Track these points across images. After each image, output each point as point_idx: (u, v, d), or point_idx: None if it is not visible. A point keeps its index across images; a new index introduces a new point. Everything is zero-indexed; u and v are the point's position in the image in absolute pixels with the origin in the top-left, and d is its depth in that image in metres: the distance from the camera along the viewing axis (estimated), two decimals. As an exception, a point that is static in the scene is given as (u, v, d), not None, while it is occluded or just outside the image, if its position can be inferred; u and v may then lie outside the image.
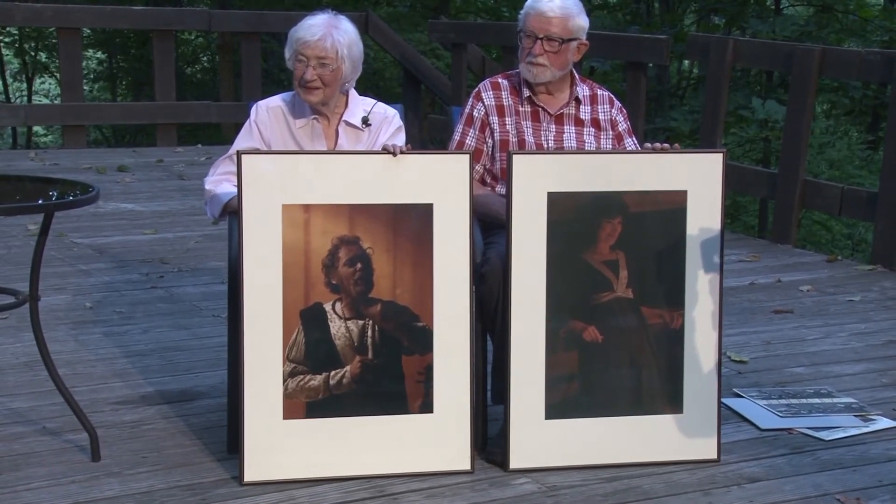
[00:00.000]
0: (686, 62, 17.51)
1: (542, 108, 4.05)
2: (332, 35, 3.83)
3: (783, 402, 4.35)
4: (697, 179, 3.74)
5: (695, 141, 10.99)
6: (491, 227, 3.95)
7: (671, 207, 3.73)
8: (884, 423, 4.18)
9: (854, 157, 12.45)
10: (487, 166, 4.07)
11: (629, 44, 8.61)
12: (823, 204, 7.48)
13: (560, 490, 3.59)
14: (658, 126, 12.22)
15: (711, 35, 10.28)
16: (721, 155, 3.79)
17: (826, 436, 4.04)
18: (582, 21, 4.02)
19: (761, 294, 6.05)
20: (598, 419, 3.74)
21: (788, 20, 13.19)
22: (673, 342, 3.77)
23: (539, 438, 3.71)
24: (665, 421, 3.78)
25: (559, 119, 4.05)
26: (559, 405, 3.72)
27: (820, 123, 12.46)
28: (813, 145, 11.23)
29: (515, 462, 3.70)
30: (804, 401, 4.38)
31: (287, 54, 3.89)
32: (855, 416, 4.24)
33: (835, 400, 4.40)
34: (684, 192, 3.74)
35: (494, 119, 4.05)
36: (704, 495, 3.58)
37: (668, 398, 3.78)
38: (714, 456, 3.80)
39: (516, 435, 3.70)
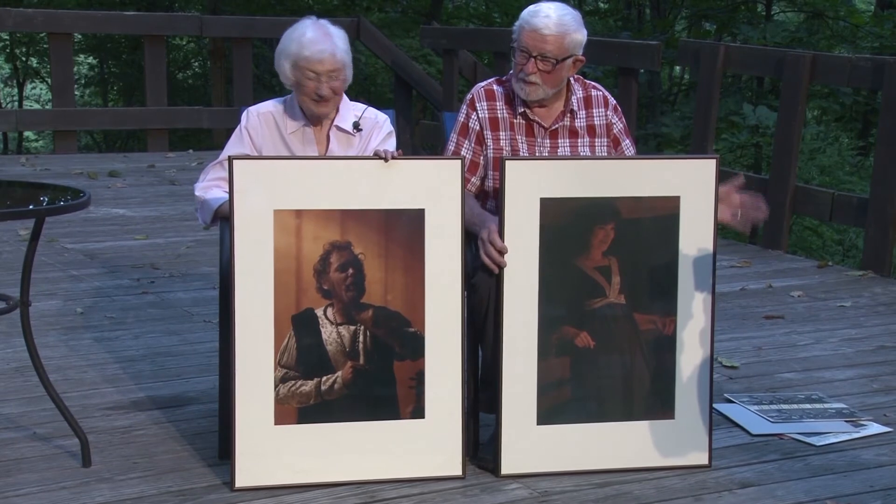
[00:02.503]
0: (677, 68, 17.53)
1: (537, 122, 3.96)
2: (336, 46, 3.83)
3: (774, 407, 4.36)
4: (691, 185, 3.74)
5: (686, 147, 11.01)
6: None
7: (664, 213, 3.73)
8: (874, 428, 4.19)
9: (845, 163, 12.46)
10: (481, 181, 3.99)
11: (620, 49, 8.62)
12: (814, 210, 7.49)
13: (551, 495, 3.59)
14: (649, 132, 12.23)
15: (702, 41, 10.29)
16: (714, 161, 3.79)
17: (817, 441, 4.05)
18: (579, 36, 3.87)
19: (752, 300, 6.06)
20: (590, 425, 3.74)
21: (779, 26, 13.21)
22: (665, 348, 3.77)
23: (531, 444, 3.71)
24: (657, 427, 3.78)
25: (554, 134, 3.96)
26: (551, 411, 3.72)
27: (811, 129, 12.48)
28: (804, 151, 11.24)
29: (507, 468, 3.70)
30: (795, 406, 4.38)
31: (287, 71, 3.85)
32: (846, 421, 4.24)
33: (826, 405, 4.40)
34: (677, 198, 3.73)
35: (488, 133, 3.96)
36: (696, 501, 3.58)
37: (659, 404, 3.78)
38: (706, 462, 3.80)
39: (508, 440, 3.69)
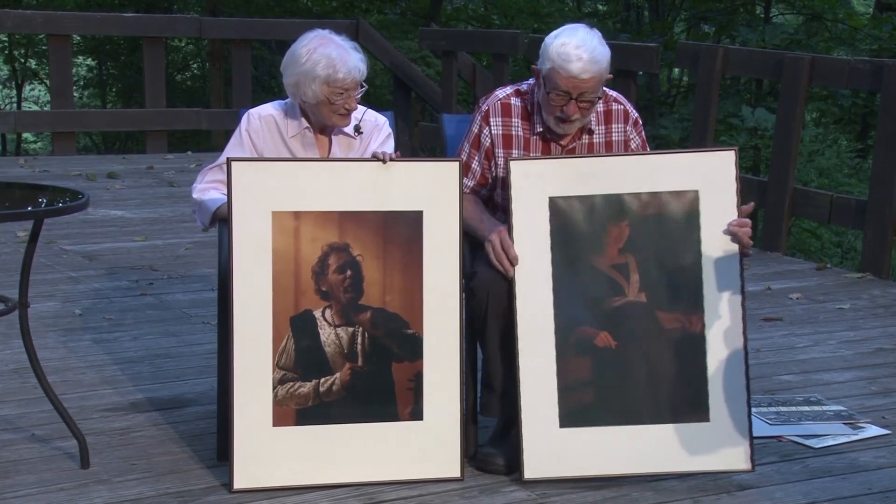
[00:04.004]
0: (676, 70, 17.55)
1: (556, 141, 3.87)
2: (358, 58, 3.82)
3: (773, 409, 4.36)
4: (709, 179, 3.67)
5: (685, 149, 11.00)
6: (479, 240, 3.87)
7: (683, 208, 3.67)
8: (873, 430, 4.19)
9: (843, 165, 12.47)
10: (490, 193, 3.94)
11: (619, 52, 8.56)
12: (813, 212, 7.49)
13: (550, 497, 3.58)
14: (648, 134, 12.23)
15: (701, 43, 10.29)
16: (733, 152, 3.70)
17: (815, 443, 4.05)
18: (608, 60, 3.73)
19: (751, 302, 6.03)
20: (617, 427, 3.66)
21: (778, 28, 13.23)
22: (694, 347, 3.67)
23: (554, 448, 3.64)
24: (691, 429, 3.66)
25: (570, 152, 3.87)
26: (573, 414, 3.65)
27: (809, 132, 12.48)
28: (802, 153, 11.25)
29: (529, 472, 3.64)
30: (794, 409, 4.38)
31: (316, 92, 3.78)
32: (844, 423, 4.24)
33: (824, 408, 4.40)
34: (696, 192, 3.67)
35: (500, 151, 3.87)
36: (694, 503, 3.58)
37: (692, 405, 3.67)
38: (747, 466, 3.68)
39: (529, 444, 3.63)
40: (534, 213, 3.64)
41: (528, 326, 3.64)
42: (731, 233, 3.67)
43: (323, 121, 3.88)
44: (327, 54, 3.78)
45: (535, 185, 3.63)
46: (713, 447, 3.67)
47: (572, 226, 3.66)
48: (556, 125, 3.80)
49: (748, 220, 3.69)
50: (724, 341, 3.69)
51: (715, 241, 3.68)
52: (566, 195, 3.65)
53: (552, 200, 3.65)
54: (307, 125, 3.92)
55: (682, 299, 3.69)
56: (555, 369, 3.65)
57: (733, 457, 3.68)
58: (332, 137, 3.95)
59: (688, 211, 3.68)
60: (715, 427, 3.68)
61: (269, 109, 3.96)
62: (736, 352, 3.69)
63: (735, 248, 3.69)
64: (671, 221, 3.68)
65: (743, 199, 3.75)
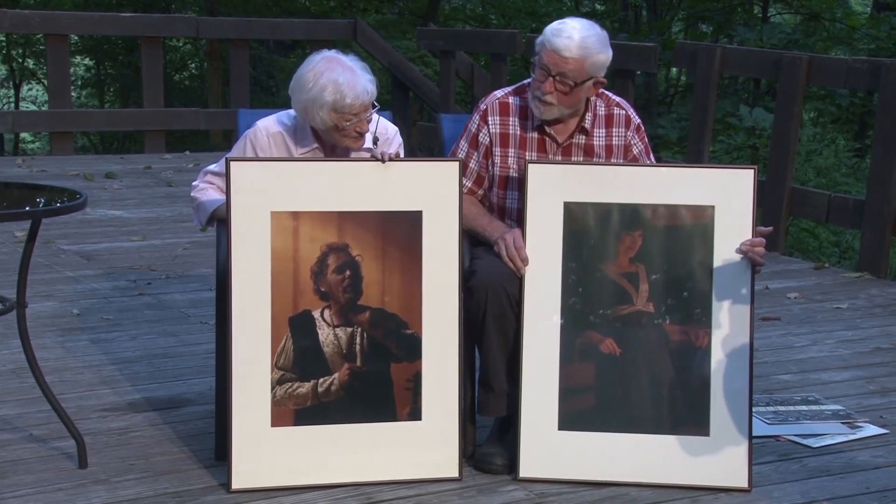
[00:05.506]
0: (674, 70, 17.56)
1: (551, 136, 3.86)
2: (366, 79, 3.72)
3: (770, 409, 4.36)
4: (726, 195, 3.65)
5: (682, 148, 11.02)
6: (478, 240, 3.87)
7: (697, 222, 3.66)
8: (871, 430, 4.19)
9: (841, 164, 12.47)
10: (484, 193, 3.94)
11: (617, 51, 8.52)
12: (811, 211, 7.50)
13: (548, 497, 3.58)
14: (646, 133, 12.23)
15: (699, 43, 10.30)
16: (752, 171, 3.68)
17: (813, 443, 4.05)
18: (602, 57, 3.75)
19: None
20: (616, 434, 3.65)
21: (776, 28, 13.24)
22: (699, 361, 3.66)
23: (551, 449, 3.65)
24: (689, 443, 3.64)
25: (567, 150, 3.86)
26: (573, 417, 3.66)
27: (807, 131, 12.48)
28: (800, 153, 11.25)
29: (525, 471, 3.65)
30: (792, 408, 4.38)
31: (325, 118, 3.71)
32: (842, 423, 4.25)
33: (822, 407, 4.41)
34: (712, 208, 3.66)
35: (497, 150, 3.87)
36: (692, 502, 3.58)
37: (692, 419, 3.65)
38: (745, 485, 3.63)
39: (527, 445, 3.64)
40: (548, 216, 3.64)
41: (534, 328, 3.64)
42: (743, 252, 3.66)
43: (335, 144, 3.84)
44: (334, 79, 3.69)
45: (552, 189, 3.63)
46: (711, 463, 3.64)
47: (585, 232, 3.66)
48: (534, 106, 3.80)
49: (762, 240, 3.67)
50: (730, 359, 3.67)
51: (727, 258, 3.66)
52: (582, 201, 3.65)
53: (567, 205, 3.64)
54: (317, 145, 3.86)
55: (691, 313, 3.67)
56: (557, 372, 3.65)
57: (732, 474, 3.64)
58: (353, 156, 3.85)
59: (703, 226, 3.67)
60: (714, 443, 3.65)
61: (276, 126, 3.87)
62: (741, 370, 3.66)
63: (747, 266, 3.67)
64: (685, 235, 3.67)
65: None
